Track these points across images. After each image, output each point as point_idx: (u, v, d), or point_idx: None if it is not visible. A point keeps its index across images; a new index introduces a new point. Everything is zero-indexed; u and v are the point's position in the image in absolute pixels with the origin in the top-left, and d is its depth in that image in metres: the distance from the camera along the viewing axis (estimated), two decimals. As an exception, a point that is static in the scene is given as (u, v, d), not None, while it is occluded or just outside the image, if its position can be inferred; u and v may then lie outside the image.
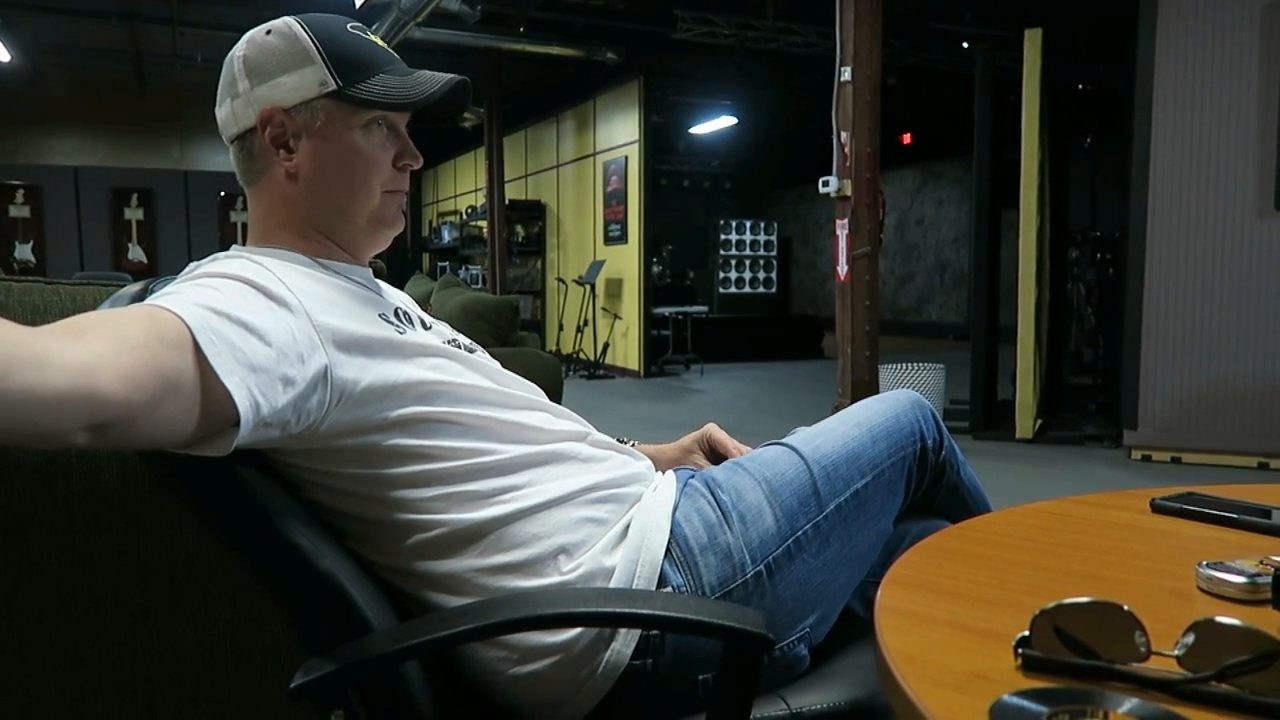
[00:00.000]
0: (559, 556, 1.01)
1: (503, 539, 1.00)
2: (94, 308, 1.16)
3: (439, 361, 1.04)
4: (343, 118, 1.05)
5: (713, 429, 1.39)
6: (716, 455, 1.37)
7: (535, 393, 1.15)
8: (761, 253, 12.81)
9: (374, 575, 1.01)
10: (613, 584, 1.02)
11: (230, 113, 1.07)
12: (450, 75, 1.08)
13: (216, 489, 0.91)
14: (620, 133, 9.54)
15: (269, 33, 1.06)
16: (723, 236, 12.65)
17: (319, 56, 1.04)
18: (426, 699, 0.94)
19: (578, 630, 0.98)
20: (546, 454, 1.07)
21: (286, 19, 1.08)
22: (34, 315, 1.12)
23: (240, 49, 1.07)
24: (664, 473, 1.21)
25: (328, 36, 1.06)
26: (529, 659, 0.99)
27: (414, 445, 0.99)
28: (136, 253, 11.98)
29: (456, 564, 1.00)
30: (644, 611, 0.91)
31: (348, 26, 1.09)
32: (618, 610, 0.92)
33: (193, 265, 0.99)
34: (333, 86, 1.04)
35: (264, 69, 1.05)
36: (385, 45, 1.11)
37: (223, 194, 12.17)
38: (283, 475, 0.99)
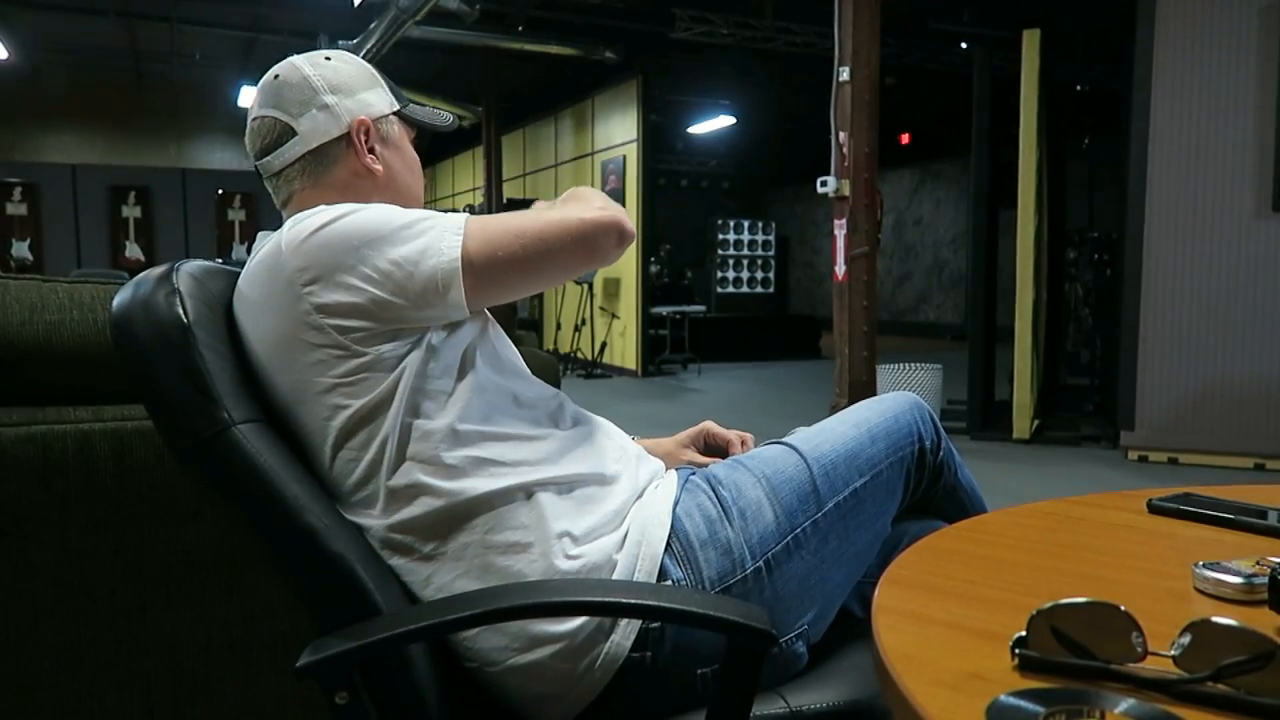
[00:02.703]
0: (563, 539, 1.03)
1: (511, 516, 1.02)
2: (92, 306, 1.16)
3: (484, 326, 1.13)
4: (404, 131, 1.25)
5: (710, 425, 1.40)
6: (712, 451, 1.38)
7: (549, 386, 1.19)
8: (759, 252, 12.79)
9: (380, 558, 1.02)
10: (614, 576, 1.04)
11: (319, 124, 1.17)
12: (450, 114, 1.33)
13: (231, 466, 0.92)
14: (618, 132, 9.54)
15: (329, 58, 1.21)
16: (720, 236, 12.64)
17: (383, 81, 1.24)
18: (430, 684, 0.94)
19: (579, 621, 0.99)
20: (563, 435, 1.11)
21: (330, 50, 1.24)
22: (31, 313, 1.12)
23: (307, 69, 1.18)
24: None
25: (375, 68, 1.25)
26: (529, 648, 0.99)
27: (456, 396, 1.04)
28: (134, 250, 11.95)
29: (464, 538, 1.01)
30: (650, 603, 0.92)
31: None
32: (624, 600, 0.92)
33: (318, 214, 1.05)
34: (397, 107, 1.23)
35: (349, 86, 1.19)
36: None
37: (220, 191, 12.14)
38: (310, 445, 1.01)
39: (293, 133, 1.16)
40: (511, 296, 1.09)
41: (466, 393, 1.05)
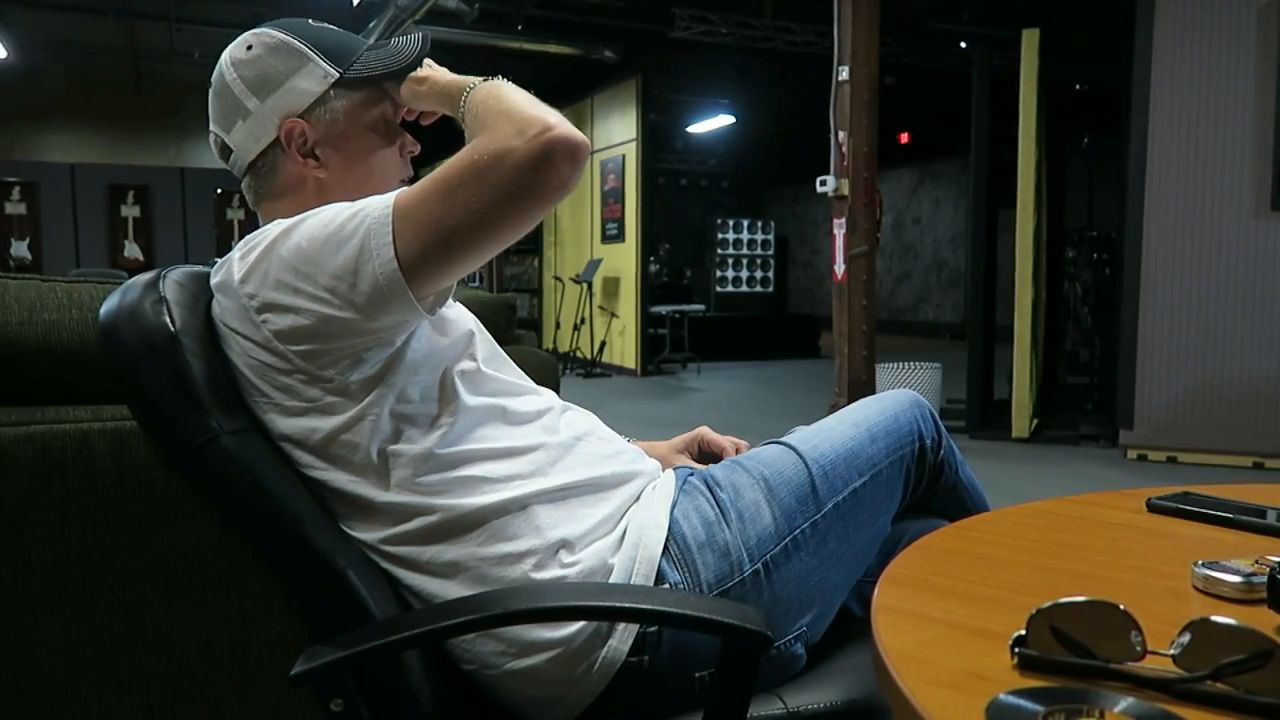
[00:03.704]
0: (559, 550, 1.02)
1: (506, 528, 1.01)
2: (91, 305, 1.16)
3: (467, 343, 1.09)
4: (355, 114, 1.11)
5: (704, 431, 1.39)
6: (706, 457, 1.38)
7: (542, 391, 1.18)
8: (759, 252, 12.80)
9: (375, 565, 1.02)
10: (611, 580, 1.03)
11: (246, 135, 1.09)
12: (418, 33, 1.14)
13: (221, 474, 0.92)
14: (618, 131, 9.53)
15: (250, 48, 1.09)
16: (720, 235, 12.64)
17: (311, 52, 1.10)
18: (425, 690, 0.94)
19: (576, 626, 0.99)
20: (555, 445, 1.09)
21: (255, 32, 1.11)
22: (30, 312, 1.11)
23: (229, 73, 1.09)
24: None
25: (305, 33, 1.10)
26: (526, 653, 0.99)
27: (437, 420, 1.02)
28: (133, 250, 11.92)
29: (459, 551, 1.01)
30: (645, 606, 0.91)
31: (310, 22, 1.13)
32: (619, 604, 0.92)
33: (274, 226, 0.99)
34: (335, 75, 1.10)
35: (269, 81, 1.08)
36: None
37: (220, 191, 12.11)
38: (294, 459, 1.00)
39: (230, 148, 1.12)
40: (463, 272, 0.97)
41: (450, 415, 1.03)
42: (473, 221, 0.90)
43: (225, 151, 1.14)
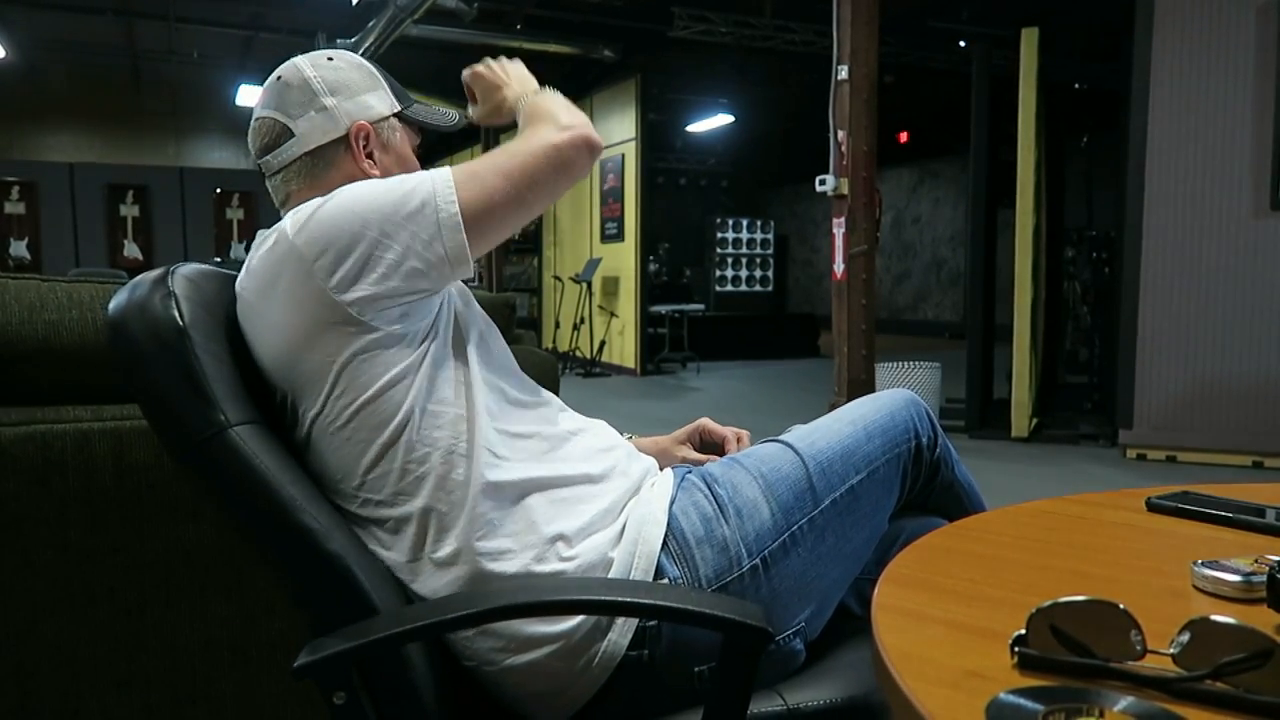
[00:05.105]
0: (558, 543, 1.03)
1: (504, 522, 1.02)
2: (91, 305, 1.17)
3: (479, 323, 1.15)
4: (405, 139, 1.25)
5: (706, 422, 1.41)
6: (708, 448, 1.38)
7: (541, 389, 1.20)
8: (758, 251, 12.80)
9: (377, 558, 1.02)
10: (610, 575, 1.04)
11: (315, 126, 1.17)
12: (456, 112, 1.33)
13: (228, 467, 0.92)
14: (617, 130, 9.53)
15: (331, 59, 1.21)
16: (719, 234, 12.65)
17: (383, 82, 1.23)
18: (428, 683, 0.94)
19: (575, 620, 1.00)
20: (550, 435, 1.11)
21: (333, 50, 1.24)
22: (30, 312, 1.12)
23: (308, 69, 1.18)
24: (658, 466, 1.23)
25: (375, 67, 1.24)
26: (526, 648, 1.00)
27: (465, 382, 1.06)
28: (132, 249, 11.92)
29: (457, 545, 1.01)
30: (646, 601, 0.92)
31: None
32: (620, 599, 0.92)
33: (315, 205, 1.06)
34: (397, 108, 1.23)
35: (349, 87, 1.19)
36: None
37: (218, 190, 12.12)
38: (315, 437, 1.02)
39: (291, 134, 1.17)
40: (504, 236, 1.12)
41: (469, 385, 1.07)
42: (520, 184, 1.08)
43: (281, 135, 1.17)
